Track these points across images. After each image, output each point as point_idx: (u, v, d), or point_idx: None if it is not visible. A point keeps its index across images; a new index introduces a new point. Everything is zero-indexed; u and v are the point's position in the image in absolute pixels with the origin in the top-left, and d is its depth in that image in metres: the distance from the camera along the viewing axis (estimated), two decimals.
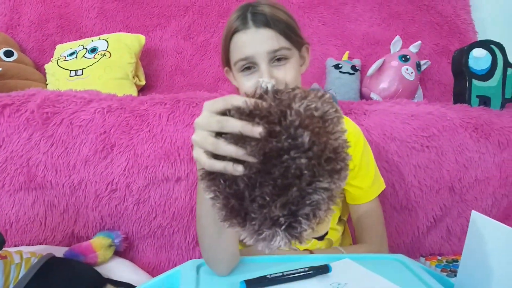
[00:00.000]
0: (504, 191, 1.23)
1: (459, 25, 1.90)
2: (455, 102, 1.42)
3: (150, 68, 1.75)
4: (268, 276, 0.69)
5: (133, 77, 1.64)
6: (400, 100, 1.35)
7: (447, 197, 1.20)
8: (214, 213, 0.55)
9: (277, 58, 0.86)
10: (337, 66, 1.67)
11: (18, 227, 1.22)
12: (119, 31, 1.73)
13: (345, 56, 1.76)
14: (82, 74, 1.58)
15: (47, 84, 1.67)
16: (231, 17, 0.90)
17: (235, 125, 0.49)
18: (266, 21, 0.85)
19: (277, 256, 0.87)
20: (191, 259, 1.24)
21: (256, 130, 0.47)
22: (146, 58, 1.75)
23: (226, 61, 0.94)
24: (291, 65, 0.88)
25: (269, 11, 0.86)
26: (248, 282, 0.68)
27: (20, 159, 1.22)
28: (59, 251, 1.13)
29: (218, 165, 0.50)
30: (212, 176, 0.52)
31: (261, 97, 0.51)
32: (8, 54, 1.62)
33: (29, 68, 1.68)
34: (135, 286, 1.02)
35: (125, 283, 1.03)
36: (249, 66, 0.87)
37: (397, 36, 1.68)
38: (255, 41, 0.86)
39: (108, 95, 1.33)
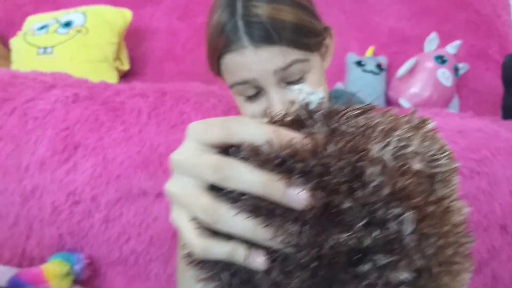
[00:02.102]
0: None
1: (499, 27, 1.67)
2: (504, 117, 1.18)
3: (136, 51, 1.49)
4: None
5: (114, 60, 1.37)
6: (439, 111, 1.11)
7: (496, 237, 0.98)
8: None
9: (288, 78, 0.62)
10: (359, 63, 1.42)
11: None
12: (102, 4, 1.46)
13: (369, 52, 1.52)
14: (52, 53, 1.32)
15: (11, 63, 1.40)
16: (213, 16, 0.64)
17: (253, 181, 0.25)
18: (266, 35, 0.59)
19: None
20: None
21: (302, 201, 0.23)
22: (132, 39, 1.49)
23: (215, 70, 0.69)
24: (312, 76, 0.63)
25: (268, 12, 0.59)
26: None
27: None
28: (5, 274, 0.89)
29: (219, 251, 0.27)
30: (207, 264, 0.28)
31: (297, 124, 0.27)
32: None
33: None
34: None
35: None
36: (252, 89, 0.63)
37: (433, 32, 1.44)
38: (255, 63, 0.61)
39: (77, 80, 1.08)
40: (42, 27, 1.37)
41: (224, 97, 1.06)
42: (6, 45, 1.50)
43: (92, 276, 1.01)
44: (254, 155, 0.25)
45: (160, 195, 0.97)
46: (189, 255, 0.29)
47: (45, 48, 1.32)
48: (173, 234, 0.99)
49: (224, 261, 0.27)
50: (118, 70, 1.40)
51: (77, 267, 0.95)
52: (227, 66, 0.64)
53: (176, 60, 1.48)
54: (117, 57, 1.40)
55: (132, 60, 1.49)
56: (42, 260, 1.00)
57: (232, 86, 0.66)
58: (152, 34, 1.53)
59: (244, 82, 0.63)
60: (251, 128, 0.26)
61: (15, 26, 1.64)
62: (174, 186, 0.29)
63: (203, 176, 0.27)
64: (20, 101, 0.99)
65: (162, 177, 0.97)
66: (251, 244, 0.25)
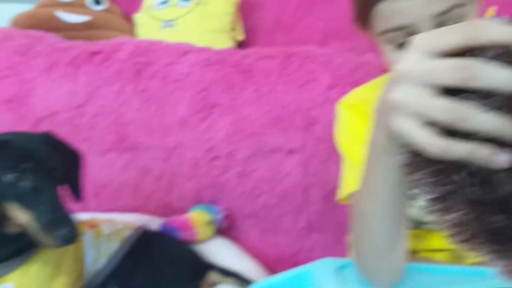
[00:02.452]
0: None
1: None
2: None
3: (247, 22, 1.53)
4: None
5: (231, 31, 1.43)
6: None
7: None
8: (393, 213, 0.43)
9: (444, 24, 0.59)
10: None
11: (108, 192, 1.11)
12: None
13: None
14: (174, 25, 1.41)
15: (136, 37, 1.52)
16: None
17: (506, 77, 0.25)
18: None
19: (454, 268, 0.62)
20: (302, 247, 1.07)
21: None
22: (244, 10, 1.53)
23: (362, 19, 0.68)
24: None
25: None
26: None
27: (111, 116, 1.09)
28: (154, 222, 1.00)
29: (461, 150, 0.27)
30: (437, 167, 0.29)
31: None
32: (97, 2, 1.49)
33: (118, 18, 1.55)
34: (244, 278, 0.84)
35: (232, 272, 0.85)
36: (404, 36, 0.62)
37: None
38: (413, 8, 0.59)
39: (204, 47, 1.14)
40: (164, 2, 1.47)
41: (349, 56, 1.06)
42: (129, 21, 1.63)
43: (228, 228, 1.09)
44: (507, 53, 0.25)
45: (291, 151, 1.01)
46: (412, 157, 0.31)
47: (168, 21, 1.41)
48: (304, 189, 1.03)
49: (455, 163, 0.27)
50: (234, 41, 1.46)
51: (218, 217, 1.03)
52: (381, 13, 0.64)
53: (286, 30, 1.50)
54: (233, 28, 1.46)
55: (244, 30, 1.54)
56: (184, 211, 1.09)
57: (383, 33, 0.65)
58: (262, 4, 1.57)
59: (398, 29, 0.62)
60: (498, 28, 0.26)
61: (135, 2, 1.76)
62: (401, 94, 0.30)
63: (440, 79, 0.27)
64: (160, 65, 1.08)
65: (293, 134, 1.01)
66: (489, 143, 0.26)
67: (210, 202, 1.08)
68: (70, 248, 0.80)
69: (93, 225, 0.86)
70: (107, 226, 0.87)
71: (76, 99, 1.09)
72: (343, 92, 0.96)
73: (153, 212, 1.11)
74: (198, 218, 1.00)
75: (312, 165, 1.00)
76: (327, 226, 1.05)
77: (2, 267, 0.69)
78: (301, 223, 1.04)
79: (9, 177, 0.63)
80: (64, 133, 0.81)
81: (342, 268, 0.62)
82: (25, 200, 0.63)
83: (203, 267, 0.87)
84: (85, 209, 1.12)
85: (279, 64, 1.06)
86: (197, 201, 1.09)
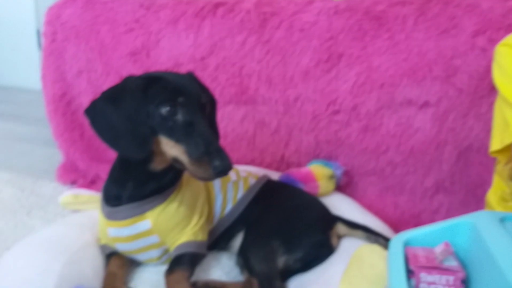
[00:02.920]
0: None
1: None
2: None
3: None
4: None
5: None
6: None
7: None
8: None
9: None
10: None
11: (226, 143, 1.12)
12: None
13: None
14: None
15: None
16: None
17: None
18: None
19: None
20: (425, 209, 1.00)
21: None
22: None
23: None
24: None
25: None
26: None
27: (233, 68, 1.09)
28: (271, 175, 0.98)
29: None
30: None
31: None
32: None
33: None
34: (372, 231, 0.80)
35: (361, 225, 0.81)
36: None
37: None
38: None
39: None
40: None
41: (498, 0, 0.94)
42: None
43: (345, 184, 1.05)
44: None
45: (426, 105, 0.94)
46: None
47: None
48: (436, 147, 0.95)
49: None
50: None
51: (338, 172, 1.00)
52: None
53: None
54: None
55: None
56: (299, 165, 1.08)
57: None
58: None
59: None
60: None
61: None
62: None
63: None
64: (286, 15, 1.05)
65: (430, 85, 0.93)
66: None
67: (327, 158, 1.05)
68: (203, 190, 0.82)
69: None
70: (232, 173, 0.88)
71: (199, 50, 1.11)
72: (493, 39, 0.86)
73: (268, 166, 1.11)
74: (319, 172, 0.98)
75: (449, 120, 0.92)
76: (456, 188, 0.97)
77: (144, 204, 0.73)
78: (427, 183, 0.97)
79: (165, 110, 0.64)
80: None
81: (502, 220, 0.56)
82: (178, 134, 0.65)
83: (330, 218, 0.84)
84: None
85: (416, 9, 0.97)
86: (314, 156, 1.07)
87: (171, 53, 1.14)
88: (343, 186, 1.05)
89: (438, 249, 0.54)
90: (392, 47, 0.95)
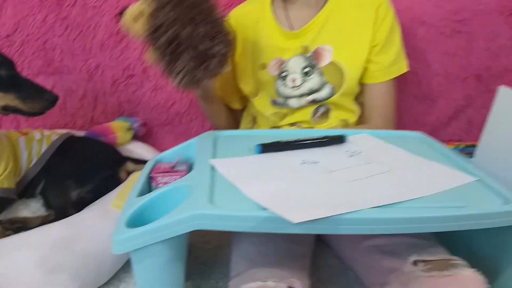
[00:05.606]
0: None
1: None
2: None
3: None
4: (282, 141, 0.70)
5: None
6: None
7: (472, 87, 1.17)
8: None
9: None
10: None
11: None
12: None
13: None
14: None
15: None
16: None
17: None
18: None
19: (294, 131, 0.87)
20: None
21: None
22: None
23: None
24: None
25: None
26: (263, 145, 0.69)
27: (37, 42, 1.23)
28: (81, 134, 1.17)
29: None
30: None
31: None
32: None
33: None
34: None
35: (145, 160, 1.06)
36: None
37: None
38: None
39: None
40: None
41: None
42: None
43: (146, 135, 1.29)
44: None
45: None
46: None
47: None
48: None
49: None
50: None
51: (136, 125, 1.23)
52: None
53: None
54: None
55: None
56: None
57: None
58: None
59: None
60: None
61: None
62: None
63: None
64: None
65: None
66: None
67: (129, 115, 1.27)
68: (7, 146, 0.97)
69: (25, 133, 1.04)
70: (37, 133, 1.05)
71: (4, 29, 1.21)
72: None
73: (80, 128, 1.28)
74: (117, 125, 1.19)
75: None
76: None
77: None
78: (206, 126, 1.26)
79: None
80: None
81: (218, 137, 0.83)
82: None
83: (120, 158, 1.07)
84: (18, 127, 1.28)
85: None
86: (119, 115, 1.28)
87: None
88: (145, 136, 1.28)
89: (174, 161, 0.78)
90: None
